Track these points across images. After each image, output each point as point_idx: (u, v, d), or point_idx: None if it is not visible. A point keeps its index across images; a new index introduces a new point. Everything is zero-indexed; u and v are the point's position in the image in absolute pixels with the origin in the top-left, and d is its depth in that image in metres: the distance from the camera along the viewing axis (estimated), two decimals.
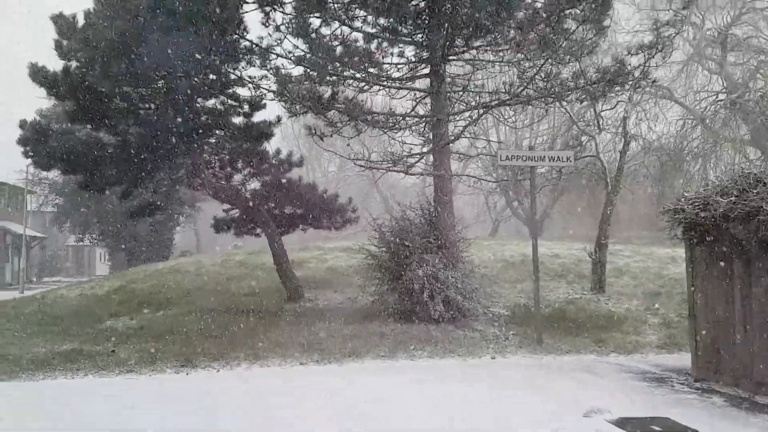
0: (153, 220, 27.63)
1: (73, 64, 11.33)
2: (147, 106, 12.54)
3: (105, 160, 12.39)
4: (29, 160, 13.49)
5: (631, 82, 11.47)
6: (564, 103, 13.41)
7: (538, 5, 11.07)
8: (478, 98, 12.33)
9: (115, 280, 18.03)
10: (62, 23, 11.09)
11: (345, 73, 11.88)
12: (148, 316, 12.67)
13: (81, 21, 11.05)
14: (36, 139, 12.03)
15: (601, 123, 14.57)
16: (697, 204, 7.36)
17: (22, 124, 12.08)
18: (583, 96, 11.70)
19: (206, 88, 12.25)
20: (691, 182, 20.71)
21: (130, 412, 6.50)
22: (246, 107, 13.49)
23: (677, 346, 9.75)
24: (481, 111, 12.07)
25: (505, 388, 7.41)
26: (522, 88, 11.11)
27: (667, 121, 25.59)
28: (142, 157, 12.30)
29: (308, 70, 11.61)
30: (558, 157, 11.64)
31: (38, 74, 11.20)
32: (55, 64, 11.58)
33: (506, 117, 13.80)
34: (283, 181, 14.66)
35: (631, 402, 6.63)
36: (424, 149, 12.63)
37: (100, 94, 11.46)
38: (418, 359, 9.18)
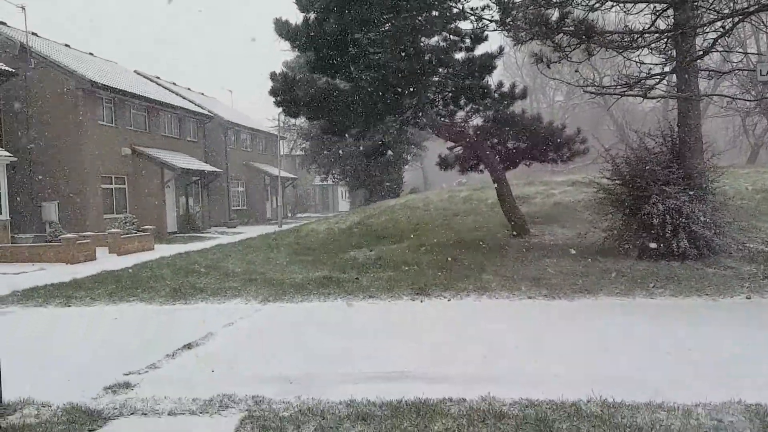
0: (384, 159, 29.41)
1: (312, 15, 12.25)
2: (376, 50, 13.13)
3: (341, 105, 13.37)
4: (280, 109, 15.09)
5: None
6: None
7: None
8: (732, 4, 10.52)
9: (354, 215, 19.74)
10: None
11: None
12: (384, 248, 13.69)
13: None
14: (284, 89, 13.41)
15: None
16: None
17: (273, 76, 13.52)
18: None
19: (429, 25, 12.36)
20: None
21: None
22: (468, 41, 13.37)
23: None
24: (737, 19, 10.29)
25: (765, 331, 6.56)
26: None
27: None
28: (373, 100, 13.02)
29: None
30: None
31: (282, 28, 12.35)
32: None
33: None
34: (507, 114, 14.36)
35: None
36: (666, 68, 11.28)
37: (334, 43, 12.28)
38: (658, 297, 8.53)
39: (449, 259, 11.73)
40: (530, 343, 6.44)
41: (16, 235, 19.65)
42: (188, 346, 6.64)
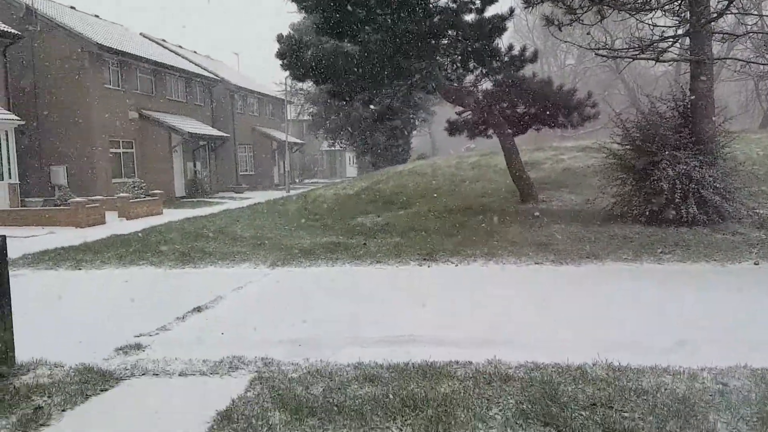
0: (392, 125, 29.21)
1: None
2: (384, 12, 12.89)
3: (348, 69, 13.20)
4: (287, 73, 14.92)
5: None
6: None
7: None
8: None
9: (362, 181, 19.71)
10: None
11: None
12: (392, 214, 13.69)
13: None
14: (291, 52, 13.23)
15: None
16: None
17: (279, 38, 13.33)
18: None
19: None
20: None
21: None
22: (478, 2, 13.08)
23: None
24: None
25: None
26: None
27: None
28: (381, 63, 12.84)
29: None
30: None
31: None
32: None
33: None
34: (517, 78, 14.14)
35: None
36: (680, 31, 11.05)
37: (342, 4, 12.05)
38: (666, 263, 8.53)
39: (457, 225, 11.73)
40: (537, 308, 6.48)
41: (25, 199, 19.79)
42: (198, 309, 6.72)
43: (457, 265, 8.99)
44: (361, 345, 5.18)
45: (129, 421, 3.85)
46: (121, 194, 19.53)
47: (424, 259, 9.38)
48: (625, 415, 3.57)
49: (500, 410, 3.72)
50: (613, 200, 11.30)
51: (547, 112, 14.30)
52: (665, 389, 3.93)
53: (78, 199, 17.29)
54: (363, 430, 3.49)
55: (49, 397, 4.16)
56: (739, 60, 19.37)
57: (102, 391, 4.33)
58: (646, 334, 5.36)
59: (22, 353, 4.84)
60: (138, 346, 5.36)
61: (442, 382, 4.17)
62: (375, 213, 14.10)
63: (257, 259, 9.89)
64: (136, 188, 22.82)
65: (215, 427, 3.61)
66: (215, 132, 30.15)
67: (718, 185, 10.17)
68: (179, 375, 4.64)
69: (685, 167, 10.10)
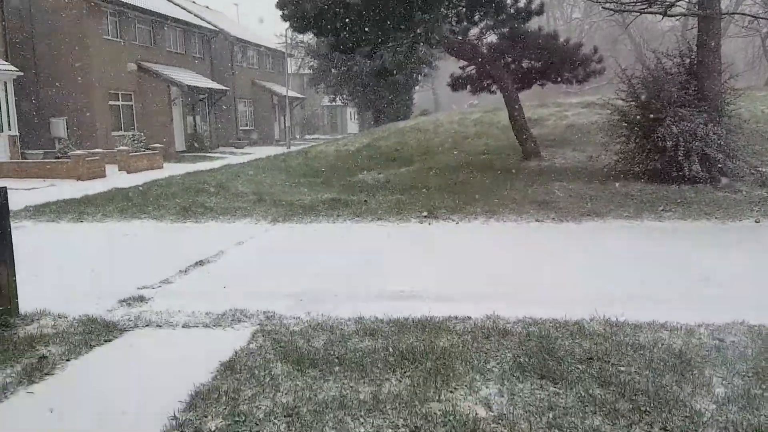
0: (394, 80, 28.74)
1: None
2: None
3: (350, 21, 12.91)
4: (287, 24, 14.60)
5: None
6: None
7: None
8: None
9: (363, 137, 19.56)
10: None
11: None
12: (393, 171, 13.64)
13: None
14: (291, 2, 12.91)
15: None
16: None
17: None
18: None
19: None
20: None
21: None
22: None
23: None
24: None
25: None
26: None
27: None
28: (384, 14, 12.54)
29: None
30: None
31: None
32: None
33: None
34: (522, 32, 13.85)
35: None
36: None
37: None
38: (666, 221, 8.54)
39: (458, 182, 11.70)
40: (536, 265, 6.52)
41: (25, 151, 19.71)
42: (200, 263, 6.76)
43: (457, 223, 9.01)
44: (361, 300, 5.23)
45: (133, 370, 3.92)
46: (121, 147, 19.43)
47: (425, 216, 9.38)
48: (622, 369, 3.63)
49: (497, 363, 3.77)
50: (616, 157, 11.24)
51: (553, 67, 14.07)
52: (662, 344, 3.99)
53: (78, 151, 17.20)
54: (363, 381, 3.56)
55: (53, 347, 4.23)
56: (747, 15, 18.91)
57: (106, 341, 4.39)
58: (643, 290, 5.40)
59: (26, 304, 4.90)
60: (141, 298, 5.42)
61: (441, 336, 4.22)
62: (376, 170, 14.05)
63: (258, 214, 9.91)
64: (135, 141, 22.67)
65: (218, 376, 3.68)
66: (215, 85, 29.74)
67: (722, 142, 10.10)
68: (182, 327, 4.70)
69: (689, 124, 10.01)
